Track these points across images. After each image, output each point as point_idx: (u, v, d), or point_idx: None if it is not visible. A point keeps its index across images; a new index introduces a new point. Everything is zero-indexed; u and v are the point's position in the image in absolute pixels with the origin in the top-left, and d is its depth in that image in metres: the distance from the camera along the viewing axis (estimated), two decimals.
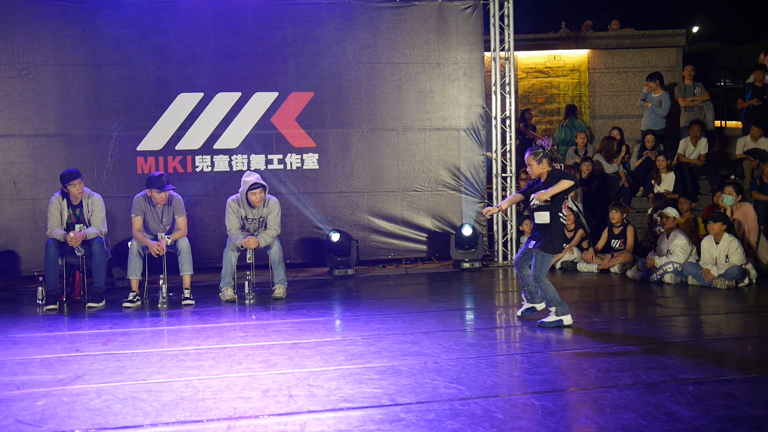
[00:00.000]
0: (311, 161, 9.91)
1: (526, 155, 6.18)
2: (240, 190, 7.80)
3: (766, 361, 5.12)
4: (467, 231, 9.65)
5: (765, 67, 11.60)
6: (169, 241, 7.60)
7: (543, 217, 6.09)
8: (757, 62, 12.35)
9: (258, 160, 9.77)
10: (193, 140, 9.62)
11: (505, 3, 10.10)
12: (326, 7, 9.87)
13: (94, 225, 7.68)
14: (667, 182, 10.63)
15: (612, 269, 9.28)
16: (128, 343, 5.85)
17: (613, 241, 9.48)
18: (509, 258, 10.15)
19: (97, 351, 5.54)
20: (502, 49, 10.22)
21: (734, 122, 13.33)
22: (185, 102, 9.58)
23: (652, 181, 10.76)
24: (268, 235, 7.78)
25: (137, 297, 7.54)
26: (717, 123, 12.82)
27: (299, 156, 9.89)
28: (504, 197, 10.20)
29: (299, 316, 6.87)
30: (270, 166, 9.79)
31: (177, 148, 9.59)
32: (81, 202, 7.68)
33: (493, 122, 10.28)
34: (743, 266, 8.08)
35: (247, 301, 7.52)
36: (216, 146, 9.68)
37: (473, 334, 6.09)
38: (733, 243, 8.11)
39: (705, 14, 23.51)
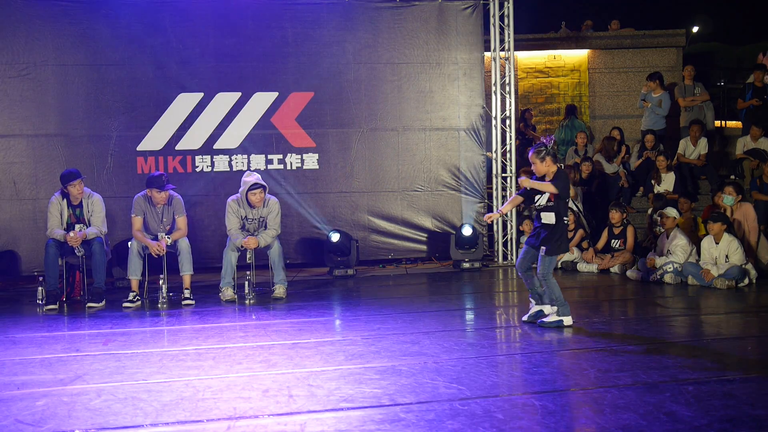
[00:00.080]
0: (311, 161, 9.92)
1: (530, 154, 6.14)
2: (240, 190, 7.80)
3: (766, 361, 5.12)
4: (467, 231, 9.65)
5: (765, 67, 11.60)
6: (169, 241, 7.60)
7: (549, 218, 6.08)
8: (757, 62, 12.36)
9: (258, 160, 9.77)
10: (193, 140, 9.62)
11: (505, 3, 10.10)
12: (326, 7, 9.87)
13: (94, 225, 7.68)
14: (667, 182, 10.63)
15: (612, 269, 9.28)
16: (128, 343, 5.85)
17: (613, 241, 9.48)
18: (509, 258, 10.16)
19: (97, 351, 5.54)
20: (502, 49, 10.22)
21: (734, 122, 13.34)
22: (185, 102, 9.58)
23: (652, 181, 10.76)
24: (268, 235, 7.78)
25: (137, 297, 7.54)
26: (717, 123, 12.82)
27: (299, 156, 9.89)
28: (504, 197, 10.22)
29: (299, 316, 6.87)
30: (270, 166, 9.79)
31: (177, 148, 9.59)
32: (81, 202, 7.68)
33: (493, 122, 10.28)
34: (743, 266, 8.08)
35: (247, 301, 7.52)
36: (216, 146, 9.68)
37: (473, 334, 6.09)
38: (733, 243, 8.11)
39: (705, 14, 23.52)
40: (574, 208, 9.75)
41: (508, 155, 10.22)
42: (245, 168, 9.62)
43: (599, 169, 11.16)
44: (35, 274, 8.69)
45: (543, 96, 13.41)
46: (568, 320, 6.07)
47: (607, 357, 5.09)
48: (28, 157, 9.28)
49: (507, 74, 10.24)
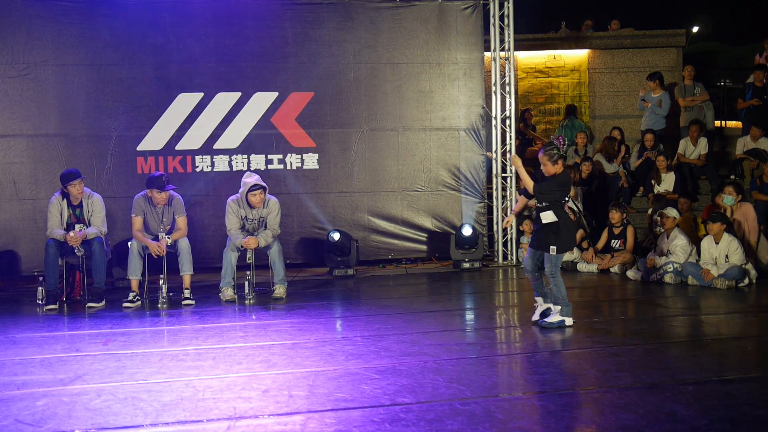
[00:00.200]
0: (311, 161, 9.91)
1: (540, 153, 6.11)
2: (240, 191, 7.80)
3: (766, 361, 5.12)
4: (467, 231, 9.65)
5: (765, 67, 11.60)
6: (170, 241, 7.60)
7: (547, 217, 6.08)
8: (754, 63, 12.38)
9: (258, 160, 9.77)
10: (193, 140, 9.62)
11: (505, 3, 10.10)
12: (326, 7, 9.87)
13: (94, 225, 7.68)
14: (667, 182, 10.63)
15: (612, 269, 9.28)
16: (128, 343, 5.85)
17: (613, 241, 9.48)
18: (509, 258, 10.16)
19: (97, 351, 5.54)
20: (502, 49, 10.22)
21: (734, 122, 13.33)
22: (185, 102, 9.58)
23: (652, 181, 10.76)
24: (268, 235, 7.78)
25: (137, 297, 7.54)
26: (717, 123, 12.82)
27: (299, 156, 9.89)
28: (504, 197, 10.23)
29: (299, 316, 6.87)
30: (270, 166, 9.79)
31: (177, 148, 9.59)
32: (81, 202, 7.68)
33: (493, 122, 10.28)
34: (743, 266, 8.08)
35: (247, 301, 7.52)
36: (216, 146, 9.68)
37: (473, 334, 6.10)
38: (732, 243, 8.11)
39: (705, 14, 23.52)
40: (575, 208, 9.74)
41: (508, 155, 10.22)
42: (245, 168, 9.62)
43: (599, 169, 11.16)
44: (35, 274, 8.69)
45: (543, 96, 13.41)
46: (569, 321, 6.07)
47: (607, 357, 5.09)
48: (28, 157, 9.28)
49: (507, 74, 10.24)
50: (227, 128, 9.67)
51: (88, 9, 9.35)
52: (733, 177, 10.91)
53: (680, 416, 3.79)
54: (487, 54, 10.35)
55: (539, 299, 6.29)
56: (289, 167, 9.86)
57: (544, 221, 6.09)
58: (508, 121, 10.25)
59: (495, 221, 10.33)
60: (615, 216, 9.44)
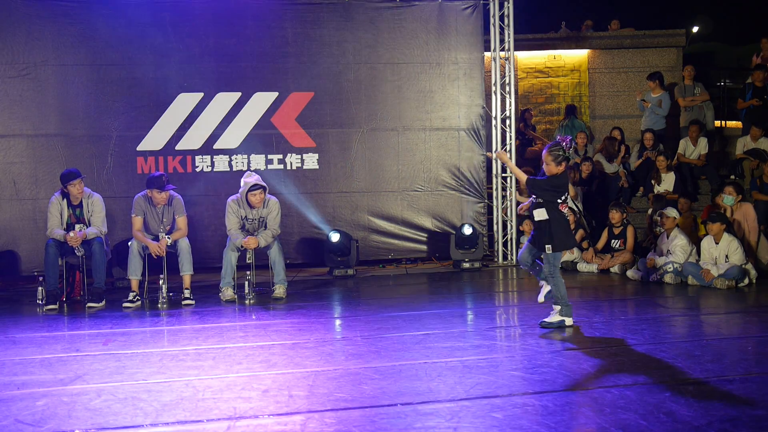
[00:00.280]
0: (311, 161, 9.91)
1: (545, 151, 6.08)
2: (240, 190, 7.80)
3: (766, 361, 5.12)
4: (467, 231, 9.65)
5: (765, 66, 11.60)
6: (170, 241, 7.60)
7: (540, 214, 6.09)
8: (752, 65, 12.41)
9: (258, 160, 9.77)
10: (193, 140, 9.62)
11: (505, 3, 10.10)
12: (326, 7, 9.87)
13: (94, 225, 7.68)
14: (667, 182, 10.63)
15: (612, 269, 9.28)
16: (128, 343, 5.85)
17: (613, 241, 9.48)
18: (509, 258, 10.16)
19: (97, 351, 5.54)
20: (502, 49, 10.22)
21: (734, 122, 13.33)
22: (185, 102, 9.58)
23: (652, 181, 10.76)
24: (268, 235, 7.78)
25: (137, 297, 7.54)
26: (717, 123, 12.81)
27: (299, 156, 9.89)
28: (504, 197, 10.23)
29: (299, 316, 6.87)
30: (270, 166, 9.79)
31: (177, 148, 9.59)
32: (81, 202, 7.68)
33: (493, 122, 10.28)
34: (743, 266, 8.08)
35: (247, 301, 7.52)
36: (216, 146, 9.68)
37: (473, 334, 6.09)
38: (732, 243, 8.11)
39: (705, 14, 23.50)
40: (575, 208, 9.75)
41: (508, 155, 10.21)
42: (245, 168, 9.62)
43: (599, 169, 11.16)
44: (35, 274, 8.68)
45: (543, 96, 13.41)
46: (569, 321, 6.06)
47: (607, 357, 5.09)
48: (28, 157, 9.28)
49: (507, 74, 10.24)
50: (227, 128, 9.67)
51: (88, 9, 9.35)
52: (733, 177, 10.91)
53: (680, 416, 3.79)
54: (487, 54, 10.35)
55: (543, 282, 6.28)
56: (289, 167, 9.86)
57: (536, 218, 6.09)
58: (508, 121, 10.25)
59: (495, 221, 10.32)
60: (615, 216, 9.44)
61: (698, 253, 8.41)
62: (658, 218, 8.92)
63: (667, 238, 8.61)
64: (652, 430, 3.61)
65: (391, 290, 8.45)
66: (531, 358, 5.08)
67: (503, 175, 10.27)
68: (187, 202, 8.31)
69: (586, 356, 5.15)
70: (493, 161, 10.31)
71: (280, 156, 9.84)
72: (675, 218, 8.67)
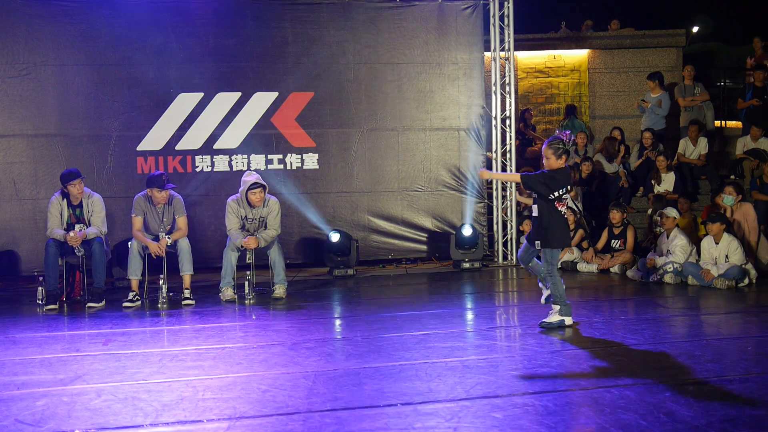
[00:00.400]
0: (311, 161, 9.91)
1: (544, 146, 6.05)
2: (240, 189, 7.80)
3: (766, 361, 5.12)
4: (467, 231, 9.65)
5: (765, 66, 11.61)
6: (170, 241, 7.60)
7: (534, 210, 6.11)
8: (746, 66, 12.44)
9: (258, 160, 9.77)
10: (193, 140, 9.62)
11: (505, 3, 10.10)
12: (326, 7, 9.87)
13: (94, 225, 7.68)
14: (667, 182, 10.63)
15: (612, 269, 9.28)
16: (128, 343, 5.85)
17: (613, 241, 9.48)
18: (509, 258, 10.16)
19: (97, 351, 5.54)
20: (502, 49, 10.22)
21: (734, 122, 13.33)
22: (185, 102, 9.58)
23: (652, 181, 10.76)
24: (268, 235, 7.78)
25: (137, 297, 7.54)
26: (717, 123, 12.82)
27: (299, 156, 9.89)
28: (504, 197, 10.24)
29: (299, 316, 6.87)
30: (270, 166, 9.79)
31: (177, 148, 9.59)
32: (81, 202, 7.68)
33: (493, 122, 10.28)
34: (743, 266, 8.08)
35: (247, 301, 7.52)
36: (216, 146, 9.68)
37: (473, 335, 6.09)
38: (732, 243, 8.10)
39: (705, 14, 23.49)
40: (575, 208, 9.75)
41: (508, 155, 10.23)
42: (245, 168, 9.62)
43: (599, 169, 11.16)
44: (35, 274, 8.68)
45: (543, 96, 13.41)
46: (569, 320, 6.06)
47: (607, 357, 5.09)
48: (28, 157, 9.28)
49: (507, 74, 10.24)
50: (227, 128, 9.67)
51: (88, 9, 9.35)
52: (733, 177, 10.91)
53: (680, 416, 3.79)
54: (487, 54, 10.35)
55: (543, 285, 6.27)
56: (289, 167, 9.86)
57: (533, 213, 6.12)
58: (508, 121, 10.25)
59: (495, 221, 10.33)
60: (615, 216, 9.44)
61: (698, 253, 8.41)
62: (658, 218, 8.92)
63: (667, 238, 8.61)
64: (652, 430, 3.61)
65: (391, 290, 8.45)
66: (531, 358, 5.08)
67: None
68: (187, 202, 8.32)
69: (586, 356, 5.15)
70: (493, 161, 10.31)
71: (280, 156, 9.84)
72: (675, 218, 8.67)
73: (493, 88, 10.26)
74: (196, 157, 9.65)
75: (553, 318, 6.06)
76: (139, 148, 9.52)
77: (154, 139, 9.54)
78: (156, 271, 7.69)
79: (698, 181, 11.23)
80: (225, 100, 9.65)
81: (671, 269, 8.29)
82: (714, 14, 23.37)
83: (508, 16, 10.11)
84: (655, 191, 10.56)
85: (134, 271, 7.60)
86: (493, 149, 10.29)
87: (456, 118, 10.17)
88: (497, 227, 10.31)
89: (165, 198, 7.67)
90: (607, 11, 16.17)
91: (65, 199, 7.65)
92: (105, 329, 6.42)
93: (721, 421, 3.72)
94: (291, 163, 9.87)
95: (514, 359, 5.16)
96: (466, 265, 9.68)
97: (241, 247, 7.73)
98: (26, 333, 6.29)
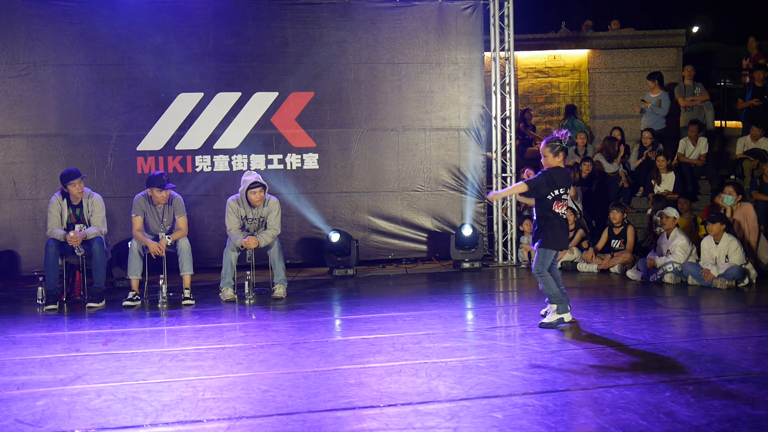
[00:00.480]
0: (311, 161, 9.92)
1: (542, 145, 6.07)
2: (240, 189, 7.80)
3: (766, 361, 5.12)
4: (467, 231, 9.65)
5: (765, 66, 11.61)
6: (170, 241, 7.60)
7: (534, 210, 6.12)
8: (742, 66, 12.43)
9: (258, 160, 9.77)
10: (193, 140, 9.62)
11: (505, 3, 10.10)
12: (326, 7, 9.87)
13: (94, 225, 7.68)
14: (667, 182, 10.63)
15: (612, 269, 9.28)
16: (128, 343, 5.85)
17: (613, 241, 9.48)
18: (509, 258, 10.16)
19: (97, 351, 5.54)
20: (502, 49, 10.22)
21: (734, 122, 13.33)
22: (185, 102, 9.58)
23: (652, 181, 10.76)
24: (268, 235, 7.77)
25: (137, 297, 7.54)
26: (717, 123, 12.82)
27: (299, 156, 9.89)
28: (504, 197, 10.22)
29: (299, 316, 6.87)
30: (270, 166, 9.79)
31: (177, 148, 9.59)
32: (81, 202, 7.68)
33: (493, 122, 10.28)
34: (743, 266, 8.08)
35: (247, 301, 7.52)
36: (216, 146, 9.68)
37: (473, 334, 6.09)
38: (732, 243, 8.10)
39: (705, 14, 23.47)
40: (575, 208, 9.75)
41: (508, 155, 10.23)
42: (245, 168, 9.62)
43: (599, 169, 11.16)
44: (35, 274, 8.68)
45: (543, 96, 13.41)
46: (567, 317, 6.06)
47: (607, 357, 5.09)
48: (28, 157, 9.28)
49: (507, 74, 10.24)
50: (227, 128, 9.67)
51: (88, 9, 9.35)
52: (733, 177, 10.91)
53: (680, 416, 3.80)
54: (487, 54, 10.35)
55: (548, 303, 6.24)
56: (289, 167, 9.86)
57: (534, 216, 6.14)
58: (508, 121, 10.25)
59: (495, 221, 10.32)
60: (615, 216, 9.44)
61: (698, 253, 8.41)
62: (658, 218, 8.92)
63: (667, 238, 8.61)
64: (652, 430, 3.61)
65: (391, 290, 8.45)
66: (531, 358, 5.08)
67: (503, 175, 10.27)
68: (187, 202, 8.32)
69: (586, 356, 5.15)
70: (493, 161, 10.31)
71: (280, 156, 9.84)
72: (675, 218, 8.67)
73: (493, 88, 10.26)
74: (196, 157, 9.65)
75: (552, 318, 6.06)
76: (139, 148, 9.52)
77: (154, 139, 9.54)
78: (156, 271, 7.69)
79: (698, 181, 11.23)
80: (225, 100, 9.65)
81: (671, 269, 8.29)
82: (714, 14, 23.35)
83: (508, 16, 10.11)
84: (655, 191, 10.56)
85: (134, 271, 7.60)
86: (493, 149, 10.29)
87: (456, 118, 10.17)
88: (497, 227, 10.31)
89: (165, 198, 7.67)
90: (607, 11, 16.15)
91: (65, 199, 7.65)
92: (105, 329, 6.42)
93: (721, 421, 3.72)
94: (291, 163, 9.87)
95: (514, 359, 5.16)
96: (466, 265, 9.68)
97: (241, 247, 7.73)
98: (26, 333, 6.29)
